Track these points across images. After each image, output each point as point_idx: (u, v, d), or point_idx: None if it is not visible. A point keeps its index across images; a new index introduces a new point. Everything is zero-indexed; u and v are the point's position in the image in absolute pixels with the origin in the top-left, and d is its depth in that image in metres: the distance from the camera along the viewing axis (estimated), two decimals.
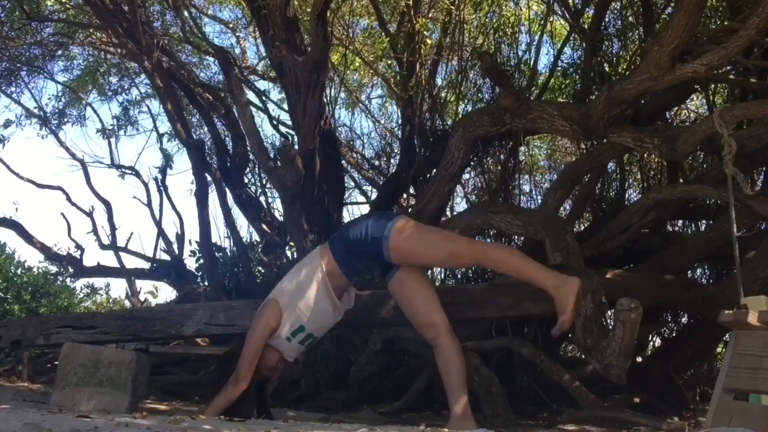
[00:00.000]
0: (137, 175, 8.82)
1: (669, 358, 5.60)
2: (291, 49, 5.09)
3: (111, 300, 9.67)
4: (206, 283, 6.73)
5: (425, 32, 6.48)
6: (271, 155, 6.00)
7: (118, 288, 20.75)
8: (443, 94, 6.48)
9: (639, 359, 5.74)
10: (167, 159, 8.25)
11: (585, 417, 4.15)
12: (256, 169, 6.99)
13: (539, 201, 5.96)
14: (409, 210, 5.38)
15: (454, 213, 6.03)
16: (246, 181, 6.92)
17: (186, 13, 7.93)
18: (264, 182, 7.06)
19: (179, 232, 8.00)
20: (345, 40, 7.45)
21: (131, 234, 10.55)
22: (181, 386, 5.45)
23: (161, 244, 8.23)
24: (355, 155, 8.37)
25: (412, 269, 3.14)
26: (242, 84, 6.70)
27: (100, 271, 8.23)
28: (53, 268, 8.22)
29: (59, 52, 8.34)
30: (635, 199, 6.14)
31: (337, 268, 3.12)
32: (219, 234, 7.54)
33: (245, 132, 6.09)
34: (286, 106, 6.80)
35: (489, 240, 5.84)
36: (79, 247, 8.03)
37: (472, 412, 2.96)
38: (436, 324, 3.06)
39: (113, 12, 6.24)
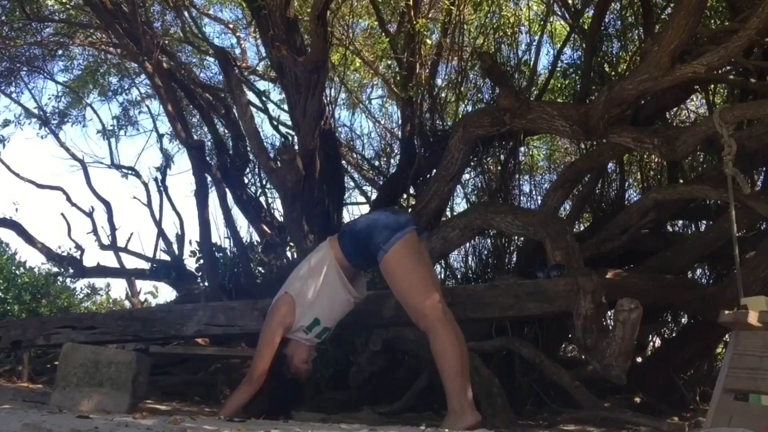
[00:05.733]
0: (137, 175, 8.82)
1: (669, 358, 5.60)
2: (291, 49, 5.09)
3: (111, 300, 9.67)
4: (206, 284, 6.72)
5: (425, 33, 6.48)
6: (271, 155, 6.00)
7: (118, 288, 20.76)
8: (443, 95, 6.48)
9: (639, 359, 5.74)
10: (167, 159, 8.25)
11: (585, 417, 4.14)
12: (256, 170, 6.98)
13: (539, 201, 5.96)
14: (410, 210, 5.38)
15: (454, 213, 6.03)
16: (246, 181, 6.92)
17: (186, 14, 7.93)
18: (264, 182, 7.06)
19: (179, 233, 8.00)
20: (345, 40, 7.45)
21: (131, 234, 10.57)
22: (181, 386, 5.45)
23: (161, 244, 8.23)
24: (355, 155, 8.36)
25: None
26: (242, 84, 6.70)
27: (100, 271, 8.21)
28: (54, 269, 8.21)
29: (59, 52, 8.33)
30: (635, 199, 6.14)
31: (344, 258, 3.16)
32: (219, 234, 7.52)
33: (245, 132, 6.09)
34: (286, 107, 6.80)
35: (489, 239, 5.85)
36: (79, 247, 8.03)
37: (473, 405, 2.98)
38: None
39: (113, 12, 6.23)
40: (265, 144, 6.21)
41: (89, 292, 9.32)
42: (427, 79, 6.27)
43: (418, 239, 3.13)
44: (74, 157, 8.87)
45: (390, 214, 3.26)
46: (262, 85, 8.99)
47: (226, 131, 7.14)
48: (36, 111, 8.69)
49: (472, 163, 5.81)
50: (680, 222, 6.24)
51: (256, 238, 6.86)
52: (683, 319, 6.34)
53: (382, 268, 3.09)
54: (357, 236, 3.17)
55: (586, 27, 6.04)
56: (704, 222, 5.98)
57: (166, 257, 7.99)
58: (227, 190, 6.73)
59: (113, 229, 8.33)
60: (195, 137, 7.39)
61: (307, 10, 5.92)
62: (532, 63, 6.28)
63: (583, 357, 4.53)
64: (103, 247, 8.36)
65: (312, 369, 3.36)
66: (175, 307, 5.06)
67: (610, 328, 3.26)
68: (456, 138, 4.85)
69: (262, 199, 7.05)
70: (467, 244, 5.64)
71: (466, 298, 3.52)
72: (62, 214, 8.28)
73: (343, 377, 4.80)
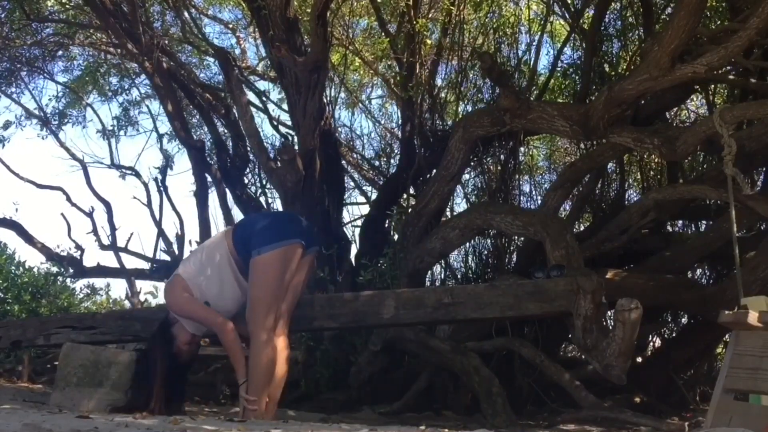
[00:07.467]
0: (137, 175, 8.79)
1: (669, 358, 5.60)
2: (291, 49, 5.09)
3: (111, 300, 9.66)
4: None
5: (425, 32, 6.47)
6: (271, 155, 5.99)
7: (118, 288, 20.74)
8: (443, 95, 6.48)
9: (639, 359, 5.73)
10: (167, 159, 8.24)
11: (585, 417, 4.15)
12: (256, 169, 6.98)
13: (539, 201, 5.96)
14: (410, 210, 5.38)
15: (454, 213, 6.02)
16: (246, 181, 6.91)
17: (186, 14, 7.93)
18: (264, 182, 7.05)
19: (179, 233, 7.98)
20: (345, 40, 7.44)
21: (131, 234, 10.52)
22: None
23: (161, 244, 8.22)
24: (355, 155, 8.36)
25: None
26: (242, 84, 6.70)
27: (100, 271, 8.20)
28: (54, 269, 8.20)
29: (59, 52, 8.32)
30: (635, 199, 6.14)
31: (235, 250, 3.29)
32: None
33: (245, 132, 6.08)
34: (286, 106, 6.80)
35: (489, 239, 5.85)
36: (79, 247, 8.00)
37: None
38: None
39: (113, 12, 6.23)
40: (265, 144, 6.19)
41: (89, 292, 9.30)
42: (427, 79, 6.27)
43: (299, 252, 3.28)
44: (74, 157, 8.85)
45: (282, 220, 3.40)
46: (262, 85, 8.99)
47: (226, 131, 7.13)
48: (36, 111, 8.69)
49: (472, 163, 5.81)
50: (680, 222, 6.24)
51: None
52: (683, 319, 6.34)
53: (250, 266, 3.23)
54: (244, 232, 3.31)
55: (586, 27, 6.04)
56: (704, 222, 5.98)
57: (166, 257, 7.99)
58: (227, 190, 6.73)
59: (113, 229, 8.31)
60: (195, 137, 7.39)
61: (307, 10, 5.91)
62: (532, 63, 6.28)
63: (583, 357, 4.53)
64: (103, 247, 8.34)
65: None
66: None
67: (610, 328, 3.26)
68: (456, 138, 4.85)
69: (262, 199, 7.03)
70: (467, 244, 5.64)
71: (466, 298, 3.52)
72: (62, 214, 8.27)
73: (343, 377, 4.79)
